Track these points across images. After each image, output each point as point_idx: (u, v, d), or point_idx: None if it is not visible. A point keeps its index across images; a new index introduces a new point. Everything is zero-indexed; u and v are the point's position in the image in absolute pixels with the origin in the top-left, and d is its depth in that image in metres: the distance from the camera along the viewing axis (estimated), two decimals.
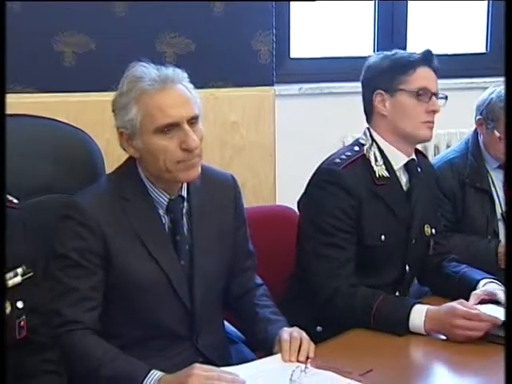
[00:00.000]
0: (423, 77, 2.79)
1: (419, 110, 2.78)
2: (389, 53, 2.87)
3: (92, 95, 3.21)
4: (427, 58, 2.82)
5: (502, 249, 3.30)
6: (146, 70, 2.39)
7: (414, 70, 2.79)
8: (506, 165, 1.85)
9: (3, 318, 1.37)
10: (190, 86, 2.43)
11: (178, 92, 2.38)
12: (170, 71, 2.40)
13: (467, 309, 2.48)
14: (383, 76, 2.81)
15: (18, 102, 2.92)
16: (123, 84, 2.41)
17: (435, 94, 2.80)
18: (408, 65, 2.80)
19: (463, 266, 2.90)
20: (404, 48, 3.98)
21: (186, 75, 2.44)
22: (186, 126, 2.34)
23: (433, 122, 2.81)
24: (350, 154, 2.81)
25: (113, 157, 2.66)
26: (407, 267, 2.85)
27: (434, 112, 2.79)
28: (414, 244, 2.85)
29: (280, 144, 3.63)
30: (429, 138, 2.87)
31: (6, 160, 1.47)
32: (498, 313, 2.50)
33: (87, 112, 3.03)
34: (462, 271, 2.87)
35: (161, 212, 2.43)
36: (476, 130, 3.46)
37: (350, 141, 3.10)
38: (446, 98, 2.86)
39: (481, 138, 3.43)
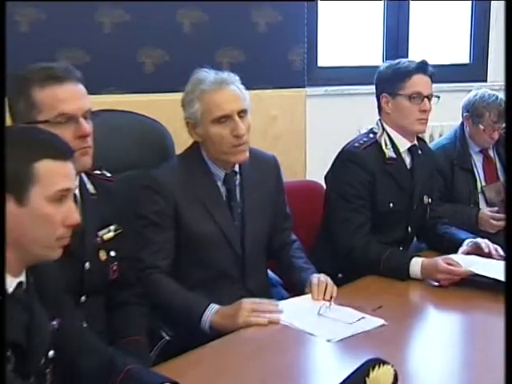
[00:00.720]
0: (417, 83, 2.75)
1: (413, 110, 2.74)
2: (393, 62, 2.84)
3: (165, 95, 3.20)
4: (421, 67, 2.78)
5: (481, 215, 3.27)
6: (207, 74, 2.40)
7: (410, 78, 2.75)
8: (506, 164, 1.80)
9: (3, 316, 1.36)
10: (241, 86, 2.43)
11: (230, 91, 2.38)
12: (225, 75, 2.41)
13: (446, 265, 2.46)
14: (387, 82, 2.79)
15: (111, 101, 2.93)
16: (189, 85, 2.42)
17: (427, 97, 2.75)
18: (405, 73, 2.76)
19: (452, 228, 2.89)
20: (406, 57, 3.96)
21: (237, 78, 2.43)
22: (236, 118, 2.34)
23: (426, 119, 2.77)
24: (366, 139, 2.79)
25: (180, 141, 2.66)
26: (409, 228, 2.84)
27: (425, 111, 2.74)
28: (415, 210, 2.83)
29: (309, 133, 3.61)
30: (422, 131, 2.85)
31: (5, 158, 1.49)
32: (473, 264, 2.50)
33: (162, 107, 3.02)
34: (451, 232, 2.86)
35: (219, 184, 2.44)
36: (462, 123, 3.43)
37: (364, 130, 3.06)
38: (439, 97, 2.81)
39: (467, 130, 3.39)
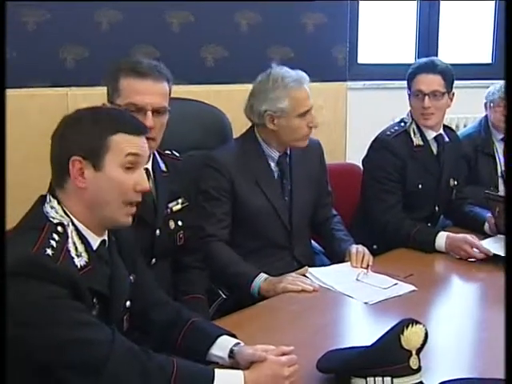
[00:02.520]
0: (419, 82, 2.65)
1: (417, 106, 2.67)
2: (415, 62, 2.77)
3: (224, 86, 3.20)
4: (425, 66, 2.67)
5: None
6: (286, 73, 2.37)
7: (415, 77, 2.67)
8: (505, 164, 1.74)
9: (4, 318, 1.32)
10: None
11: (307, 88, 2.38)
12: (301, 73, 2.38)
13: (472, 239, 2.44)
14: (407, 81, 2.73)
15: (177, 91, 2.85)
16: (270, 82, 2.36)
17: (428, 94, 2.63)
18: (413, 73, 2.69)
19: (476, 208, 2.82)
20: (436, 55, 3.88)
21: (308, 78, 2.41)
22: (313, 112, 2.37)
23: (429, 113, 2.65)
24: (397, 128, 2.74)
25: (237, 126, 2.66)
26: (437, 208, 2.78)
27: (424, 108, 2.64)
28: (441, 191, 2.77)
29: (350, 121, 3.58)
30: (425, 125, 2.70)
31: (5, 159, 1.53)
32: (493, 246, 2.45)
33: (220, 97, 3.03)
34: (475, 211, 2.80)
35: (272, 164, 2.42)
36: (486, 115, 3.35)
37: (396, 120, 3.01)
38: (453, 93, 2.71)
39: (490, 119, 3.31)
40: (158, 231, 2.03)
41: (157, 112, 1.96)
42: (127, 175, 1.50)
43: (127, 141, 1.50)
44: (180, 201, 2.13)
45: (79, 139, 1.47)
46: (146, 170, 2.00)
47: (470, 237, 2.46)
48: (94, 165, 1.47)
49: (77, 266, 1.42)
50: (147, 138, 1.91)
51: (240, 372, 1.48)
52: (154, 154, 2.05)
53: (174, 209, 2.11)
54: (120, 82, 1.94)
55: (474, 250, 2.42)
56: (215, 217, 2.33)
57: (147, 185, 1.55)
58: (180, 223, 2.12)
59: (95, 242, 1.51)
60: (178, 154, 2.21)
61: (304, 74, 2.39)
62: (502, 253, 2.35)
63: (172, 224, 2.09)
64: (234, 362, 1.56)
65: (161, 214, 2.05)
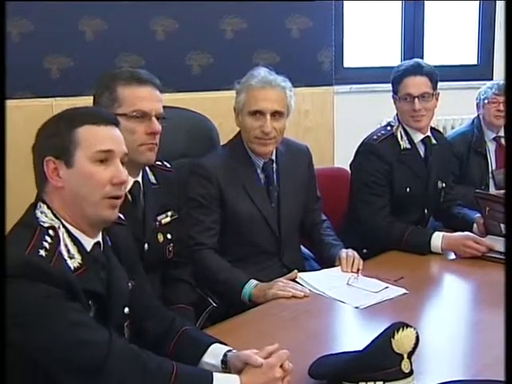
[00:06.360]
0: (407, 85, 2.64)
1: (406, 109, 2.66)
2: (398, 65, 2.74)
3: (210, 93, 3.21)
4: (411, 69, 2.65)
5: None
6: (260, 72, 2.38)
7: (402, 81, 2.65)
8: (506, 164, 1.73)
9: (3, 320, 1.31)
10: (289, 92, 2.38)
11: (271, 92, 2.34)
12: (275, 78, 2.36)
13: (475, 236, 2.48)
14: (392, 85, 2.73)
15: (163, 99, 2.94)
16: (244, 77, 2.40)
17: (418, 97, 2.62)
18: (399, 77, 2.67)
19: (465, 209, 2.84)
20: (422, 58, 3.90)
21: (288, 84, 2.38)
22: (268, 116, 2.32)
23: (420, 115, 2.64)
24: (383, 132, 2.74)
25: (224, 133, 2.66)
26: (426, 210, 2.79)
27: (415, 110, 2.63)
28: (430, 194, 2.78)
29: (337, 125, 3.59)
30: (417, 128, 2.69)
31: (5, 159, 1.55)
32: (494, 241, 2.47)
33: (207, 103, 3.03)
34: (463, 213, 2.81)
35: (258, 170, 2.42)
36: (478, 115, 3.37)
37: (383, 123, 3.02)
38: (438, 94, 2.69)
39: (483, 117, 3.34)
40: (146, 245, 2.03)
41: (158, 118, 1.98)
42: (100, 169, 1.49)
43: (95, 134, 1.49)
44: (169, 213, 2.14)
45: (48, 140, 1.49)
46: (137, 182, 2.01)
47: (470, 233, 2.49)
48: (66, 162, 1.47)
49: (70, 268, 1.42)
50: (151, 144, 1.94)
51: (236, 376, 1.48)
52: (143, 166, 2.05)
53: (163, 221, 2.11)
54: (118, 92, 1.95)
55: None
56: (203, 225, 2.32)
57: (124, 177, 1.51)
58: (169, 236, 2.12)
59: (88, 243, 1.50)
60: (169, 165, 2.21)
61: (278, 80, 2.36)
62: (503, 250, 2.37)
63: (161, 237, 2.09)
64: (226, 369, 1.56)
65: (149, 227, 2.05)
